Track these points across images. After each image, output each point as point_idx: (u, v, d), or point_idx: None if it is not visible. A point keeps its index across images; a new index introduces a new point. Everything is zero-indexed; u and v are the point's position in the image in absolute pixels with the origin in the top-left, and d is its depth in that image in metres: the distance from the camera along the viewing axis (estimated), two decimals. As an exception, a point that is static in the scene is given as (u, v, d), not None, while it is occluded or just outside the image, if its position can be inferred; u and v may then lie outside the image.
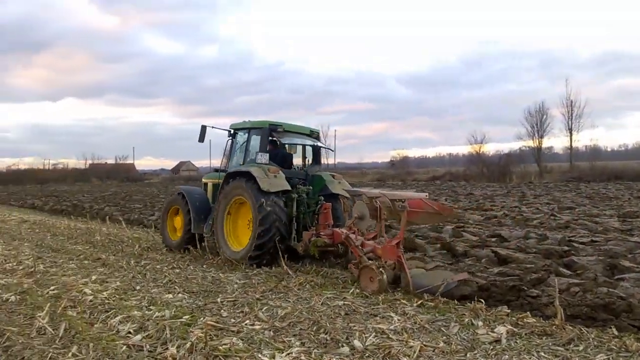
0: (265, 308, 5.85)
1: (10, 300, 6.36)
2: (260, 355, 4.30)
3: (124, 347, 4.57)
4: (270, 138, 9.47)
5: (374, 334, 4.89)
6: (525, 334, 4.89)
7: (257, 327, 5.15)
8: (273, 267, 8.15)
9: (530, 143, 54.34)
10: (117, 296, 6.48)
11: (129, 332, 5.02)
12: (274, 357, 4.28)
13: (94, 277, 7.63)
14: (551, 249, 8.43)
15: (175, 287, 7.07)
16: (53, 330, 5.08)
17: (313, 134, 10.28)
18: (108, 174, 76.86)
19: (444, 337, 4.84)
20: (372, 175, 61.76)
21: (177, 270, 8.22)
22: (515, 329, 4.99)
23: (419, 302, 6.05)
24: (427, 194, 7.84)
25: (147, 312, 5.70)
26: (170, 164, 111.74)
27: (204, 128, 10.12)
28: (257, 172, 8.57)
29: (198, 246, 9.98)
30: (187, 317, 5.43)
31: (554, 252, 8.13)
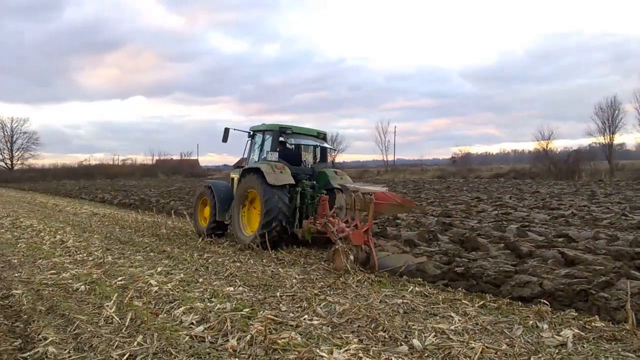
0: (323, 304, 5.87)
1: (80, 289, 6.66)
2: (318, 351, 4.31)
3: (187, 338, 4.70)
4: (280, 139, 10.83)
5: (433, 333, 4.82)
6: (593, 339, 4.68)
7: (315, 322, 5.18)
8: (329, 265, 8.17)
9: (601, 139, 51.72)
10: (180, 288, 6.68)
11: (192, 323, 5.17)
12: (331, 353, 4.28)
13: (159, 269, 7.90)
14: (622, 250, 8.03)
15: (236, 280, 7.22)
16: (120, 319, 5.29)
17: (320, 136, 11.47)
18: (173, 169, 79.14)
19: (507, 340, 4.71)
20: (432, 172, 60.68)
21: (238, 264, 8.38)
22: (582, 333, 4.79)
23: (481, 303, 5.91)
24: (387, 187, 8.97)
25: (209, 304, 5.84)
26: (232, 160, 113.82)
27: (226, 130, 11.58)
28: (265, 168, 9.92)
29: (224, 232, 11.69)
30: (247, 310, 5.53)
31: (625, 254, 7.74)
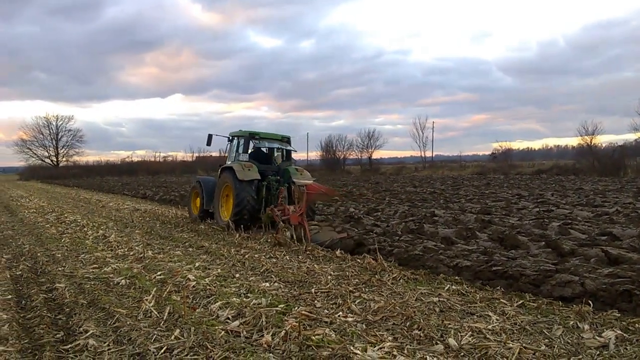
0: (358, 301, 5.86)
1: (121, 283, 6.83)
2: (352, 348, 4.30)
3: (223, 333, 4.76)
4: (251, 143, 13.41)
5: (470, 332, 4.74)
6: (637, 340, 4.52)
7: (349, 319, 5.17)
8: (364, 261, 8.14)
9: (647, 134, 50.02)
10: (217, 283, 6.78)
11: (228, 318, 5.23)
12: (366, 351, 4.27)
13: (197, 264, 8.02)
14: (670, 250, 7.73)
15: (272, 276, 7.27)
16: (158, 313, 5.40)
17: (283, 139, 14.04)
18: (213, 166, 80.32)
19: (546, 340, 4.60)
20: (471, 169, 59.80)
21: (274, 260, 8.44)
22: (625, 335, 4.64)
23: (520, 302, 5.79)
24: (313, 180, 12.19)
25: (245, 299, 5.90)
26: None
27: (210, 136, 14.30)
28: (236, 166, 12.45)
29: (211, 218, 13.94)
30: (282, 305, 5.56)
31: (674, 254, 7.45)
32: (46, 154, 79.88)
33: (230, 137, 14.41)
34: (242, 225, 11.80)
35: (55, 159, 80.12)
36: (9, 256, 9.02)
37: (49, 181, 57.15)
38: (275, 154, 14.32)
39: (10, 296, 6.25)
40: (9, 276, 7.36)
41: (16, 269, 7.87)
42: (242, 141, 13.57)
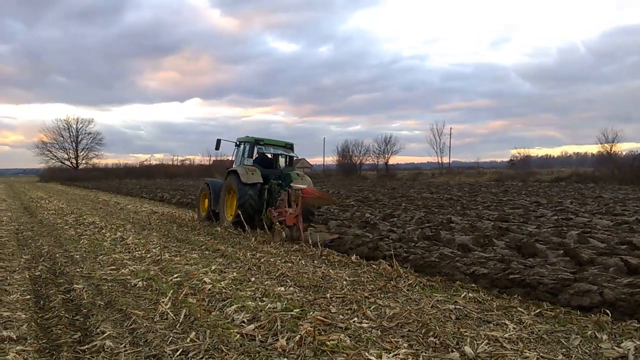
0: (373, 307, 5.84)
1: (138, 285, 6.89)
2: (367, 354, 4.29)
3: (238, 336, 4.78)
4: (255, 148, 14.37)
5: (486, 341, 4.70)
6: (658, 353, 4.45)
7: (364, 325, 5.16)
8: (380, 267, 8.11)
9: (669, 142, 49.24)
10: (233, 286, 6.80)
11: (243, 322, 5.25)
12: (381, 357, 4.25)
13: (213, 267, 8.06)
14: (692, 260, 7.58)
15: (287, 280, 7.28)
16: (174, 315, 5.44)
17: (287, 146, 14.89)
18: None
19: (564, 350, 4.54)
20: (489, 175, 59.28)
21: (289, 264, 8.45)
22: (645, 346, 4.56)
23: (537, 311, 5.72)
24: (306, 185, 12.36)
25: (260, 303, 5.91)
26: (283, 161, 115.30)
27: (219, 141, 15.23)
28: (241, 170, 13.38)
29: (217, 218, 14.72)
30: (297, 310, 5.56)
31: (696, 264, 7.30)
32: (66, 156, 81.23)
33: (237, 143, 15.28)
34: (245, 225, 12.43)
35: (74, 161, 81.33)
36: (28, 257, 9.14)
37: (68, 183, 57.92)
38: (281, 159, 15.18)
39: (29, 296, 6.33)
40: (28, 276, 7.46)
41: (35, 270, 7.98)
42: (247, 146, 14.50)
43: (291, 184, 12.74)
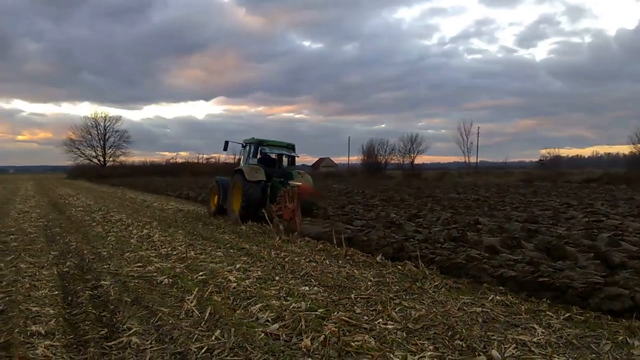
0: (398, 308, 5.81)
1: (164, 282, 6.98)
2: (392, 356, 4.28)
3: (262, 335, 4.81)
4: (260, 149, 15.74)
5: (514, 345, 4.64)
6: (694, 361, 4.33)
7: (389, 326, 5.14)
8: (405, 268, 8.07)
9: None
10: (257, 285, 6.84)
11: (267, 321, 5.28)
12: (405, 359, 4.23)
13: (238, 266, 8.12)
14: None
15: (312, 280, 7.29)
16: (199, 313, 5.49)
17: (289, 147, 16.34)
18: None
19: (594, 355, 4.46)
20: (518, 175, 58.34)
21: (314, 264, 8.46)
22: (680, 354, 4.45)
23: (567, 315, 5.63)
24: (301, 183, 13.55)
25: (284, 302, 5.93)
26: (310, 159, 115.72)
27: (226, 142, 16.99)
28: (246, 169, 14.74)
29: (225, 213, 15.90)
30: (321, 310, 5.56)
31: None
32: (94, 153, 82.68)
33: (244, 144, 16.73)
34: (246, 219, 14.13)
35: (102, 159, 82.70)
36: (56, 253, 9.33)
37: (95, 180, 58.92)
38: (284, 158, 16.61)
39: (57, 292, 6.46)
40: (56, 272, 7.62)
41: (63, 266, 8.14)
42: (252, 147, 15.97)
43: (288, 182, 14.03)
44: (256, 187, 14.38)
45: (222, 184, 16.58)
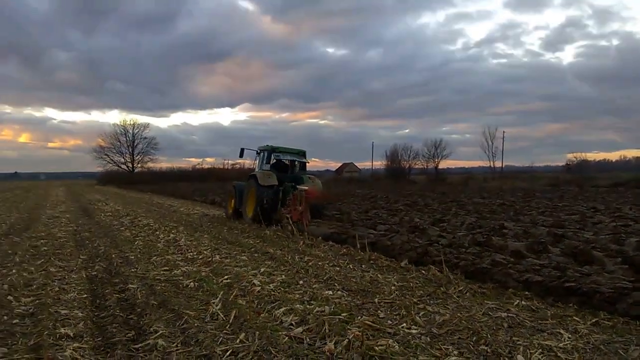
0: (422, 313, 5.76)
1: (189, 286, 7.04)
2: (416, 360, 4.23)
3: (286, 338, 4.81)
4: (272, 155, 16.87)
5: (540, 350, 4.56)
6: None
7: (413, 331, 5.09)
8: (429, 272, 8.00)
9: None
10: (282, 289, 6.85)
11: (291, 324, 5.27)
12: (430, 364, 4.19)
13: (262, 270, 8.14)
14: None
15: (335, 284, 7.27)
16: (224, 316, 5.52)
17: (300, 153, 17.22)
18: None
19: (623, 362, 4.35)
20: (544, 180, 57.43)
21: (337, 268, 8.44)
22: None
23: (594, 320, 5.51)
24: (307, 187, 14.49)
25: (308, 306, 5.92)
26: (334, 165, 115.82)
27: (242, 150, 17.79)
28: (259, 174, 15.67)
29: (241, 216, 16.68)
30: (345, 314, 5.54)
31: None
32: (122, 160, 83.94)
33: (258, 151, 17.63)
34: (260, 221, 14.77)
35: (130, 165, 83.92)
36: (85, 257, 9.49)
37: (124, 186, 59.87)
38: (296, 164, 17.49)
39: (85, 295, 6.57)
40: (85, 276, 7.75)
41: (92, 270, 8.28)
42: (265, 154, 16.87)
43: (297, 186, 14.87)
44: (269, 191, 15.25)
45: (238, 189, 17.41)
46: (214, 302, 6.02)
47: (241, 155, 18.02)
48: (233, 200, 17.84)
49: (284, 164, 17.60)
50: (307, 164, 17.71)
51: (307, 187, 14.37)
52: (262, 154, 17.27)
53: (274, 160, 17.13)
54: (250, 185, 15.89)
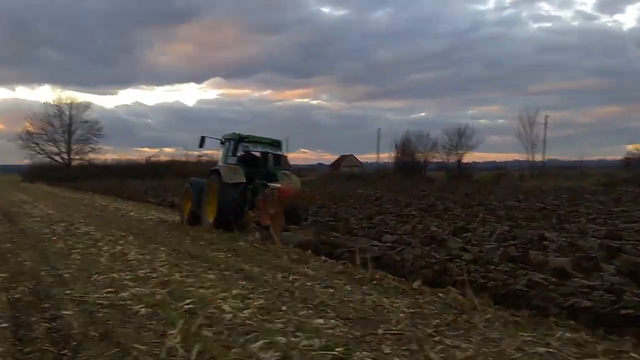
0: (439, 347, 5.78)
1: (140, 313, 7.01)
2: (429, 409, 4.26)
3: (264, 381, 4.81)
4: (240, 146, 17.07)
5: (587, 395, 4.60)
6: None
7: (427, 371, 5.12)
8: (448, 295, 8.04)
9: None
10: (259, 316, 6.85)
11: (271, 362, 5.29)
12: (447, 413, 4.21)
13: (234, 292, 8.14)
14: None
15: (328, 310, 7.30)
16: (185, 352, 5.50)
17: (274, 143, 17.79)
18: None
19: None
20: (596, 178, 57.66)
21: (331, 290, 8.47)
22: None
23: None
24: (281, 185, 14.84)
25: (292, 339, 5.92)
26: (329, 157, 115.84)
27: (202, 138, 18.36)
28: (223, 169, 15.91)
29: (199, 221, 17.02)
30: (339, 349, 5.54)
31: None
32: (56, 150, 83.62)
33: (223, 140, 18.08)
34: (223, 227, 15.34)
35: (66, 157, 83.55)
36: (5, 275, 9.42)
37: (58, 183, 59.62)
38: (270, 157, 17.98)
39: (6, 324, 6.50)
40: (5, 299, 7.69)
41: (14, 291, 8.21)
42: (232, 144, 17.22)
43: (268, 184, 15.19)
44: (234, 191, 15.51)
45: (196, 187, 17.66)
46: (171, 334, 5.99)
47: (201, 145, 18.55)
48: (190, 202, 18.00)
49: (255, 157, 17.98)
50: (283, 157, 18.34)
51: (280, 185, 14.66)
52: (227, 143, 17.57)
53: (242, 152, 17.38)
54: (212, 183, 16.21)
